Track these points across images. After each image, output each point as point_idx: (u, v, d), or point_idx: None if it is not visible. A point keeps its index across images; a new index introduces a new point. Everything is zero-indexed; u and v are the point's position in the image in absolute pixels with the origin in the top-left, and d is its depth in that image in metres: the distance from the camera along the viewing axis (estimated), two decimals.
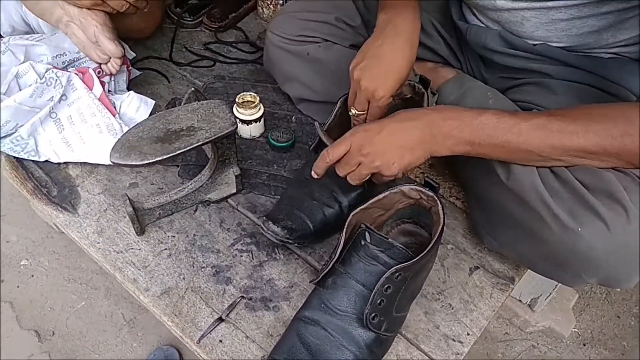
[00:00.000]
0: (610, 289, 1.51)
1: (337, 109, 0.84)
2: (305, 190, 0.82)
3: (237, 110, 0.93)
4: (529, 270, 0.85)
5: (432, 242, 0.67)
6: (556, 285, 1.27)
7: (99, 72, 0.91)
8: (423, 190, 0.73)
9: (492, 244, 0.80)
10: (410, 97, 0.86)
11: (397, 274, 0.64)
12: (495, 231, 0.79)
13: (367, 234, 0.67)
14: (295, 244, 0.81)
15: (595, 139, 0.63)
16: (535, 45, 0.82)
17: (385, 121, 0.69)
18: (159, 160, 0.71)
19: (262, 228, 0.79)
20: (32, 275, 1.46)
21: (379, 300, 0.65)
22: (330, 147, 0.72)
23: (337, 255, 0.68)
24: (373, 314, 0.65)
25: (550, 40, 0.80)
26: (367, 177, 0.72)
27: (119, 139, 0.72)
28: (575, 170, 0.67)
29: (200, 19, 1.22)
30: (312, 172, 0.73)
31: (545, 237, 0.67)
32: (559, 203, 0.65)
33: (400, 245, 0.67)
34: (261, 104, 0.95)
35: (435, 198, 0.71)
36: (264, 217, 0.79)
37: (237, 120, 0.94)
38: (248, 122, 0.94)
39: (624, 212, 0.63)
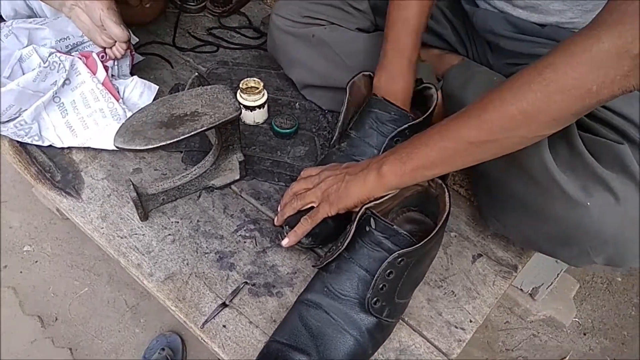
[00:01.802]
0: (611, 277, 1.52)
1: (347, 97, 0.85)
2: None
3: (241, 96, 0.93)
4: (531, 259, 0.85)
5: (437, 229, 0.67)
6: (557, 275, 1.27)
7: (102, 57, 0.91)
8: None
9: (497, 226, 0.80)
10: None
11: (399, 259, 0.64)
12: (500, 213, 0.78)
13: (372, 220, 0.67)
14: (320, 246, 0.81)
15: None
16: (543, 27, 0.81)
17: (346, 177, 0.74)
18: (163, 145, 0.71)
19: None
20: (36, 261, 1.46)
21: (381, 285, 0.65)
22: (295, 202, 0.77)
23: (345, 244, 0.68)
24: (375, 299, 0.65)
25: (565, 16, 0.79)
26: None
27: (123, 124, 0.72)
28: (588, 143, 0.67)
29: (203, 3, 1.21)
30: (276, 221, 0.81)
31: (552, 213, 0.67)
32: (569, 176, 0.65)
33: (404, 232, 0.66)
34: (265, 90, 0.94)
35: (443, 186, 0.71)
36: (286, 227, 0.78)
37: (241, 106, 0.93)
38: (252, 108, 0.94)
39: (635, 185, 0.62)
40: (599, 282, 1.51)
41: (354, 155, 0.82)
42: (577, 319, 1.44)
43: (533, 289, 1.36)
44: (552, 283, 1.30)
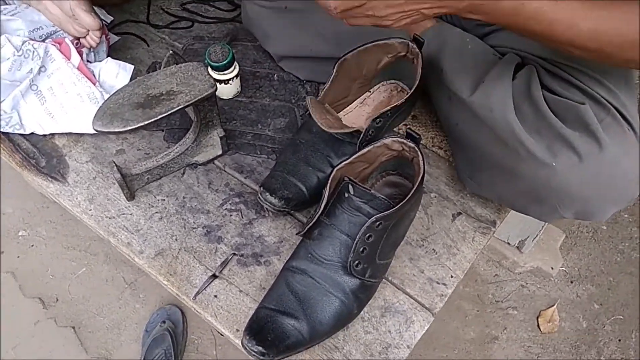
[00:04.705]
0: (597, 226, 1.56)
1: (334, 73, 0.84)
2: (300, 156, 0.82)
3: (212, 70, 0.93)
4: (511, 212, 0.88)
5: (412, 192, 0.70)
6: (542, 227, 1.31)
7: (77, 44, 0.91)
8: (405, 141, 0.74)
9: (472, 186, 0.82)
10: (405, 55, 0.86)
11: (377, 222, 0.67)
12: (474, 173, 0.81)
13: (350, 186, 0.69)
14: (292, 212, 0.83)
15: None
16: None
17: None
18: (142, 125, 0.72)
19: (259, 198, 0.80)
20: (32, 245, 1.49)
21: (362, 249, 0.68)
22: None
23: (321, 208, 0.70)
24: (357, 262, 0.68)
25: None
26: None
27: (100, 107, 0.73)
28: (552, 103, 0.68)
29: None
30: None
31: (521, 173, 0.70)
32: (535, 137, 0.67)
33: (382, 197, 0.69)
34: (236, 62, 0.94)
35: (416, 149, 0.73)
36: (261, 188, 0.80)
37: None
38: (225, 82, 0.94)
39: (597, 143, 0.65)
40: (584, 232, 1.55)
41: None
42: (564, 268, 1.48)
43: (520, 241, 1.40)
44: (537, 235, 1.34)
